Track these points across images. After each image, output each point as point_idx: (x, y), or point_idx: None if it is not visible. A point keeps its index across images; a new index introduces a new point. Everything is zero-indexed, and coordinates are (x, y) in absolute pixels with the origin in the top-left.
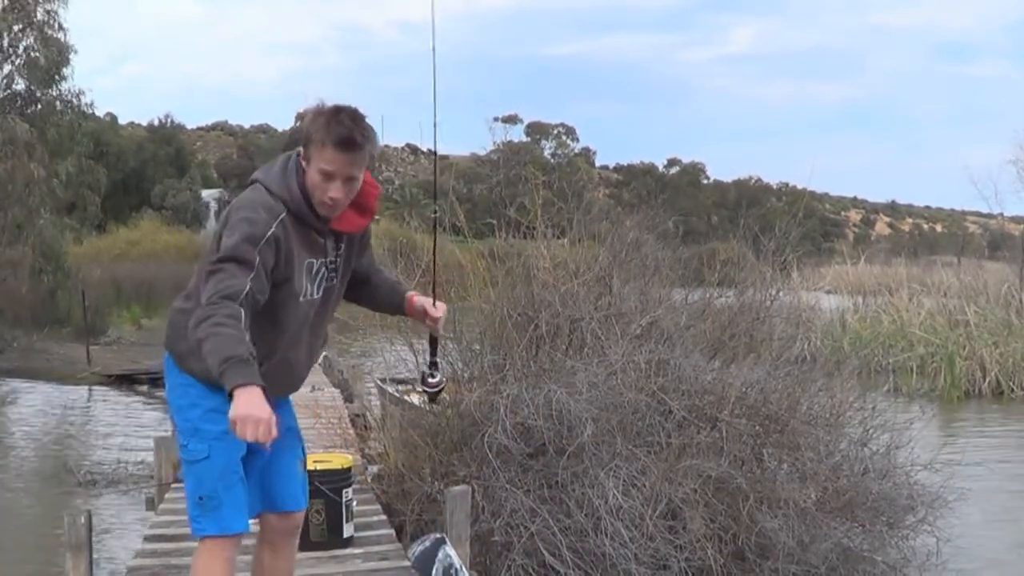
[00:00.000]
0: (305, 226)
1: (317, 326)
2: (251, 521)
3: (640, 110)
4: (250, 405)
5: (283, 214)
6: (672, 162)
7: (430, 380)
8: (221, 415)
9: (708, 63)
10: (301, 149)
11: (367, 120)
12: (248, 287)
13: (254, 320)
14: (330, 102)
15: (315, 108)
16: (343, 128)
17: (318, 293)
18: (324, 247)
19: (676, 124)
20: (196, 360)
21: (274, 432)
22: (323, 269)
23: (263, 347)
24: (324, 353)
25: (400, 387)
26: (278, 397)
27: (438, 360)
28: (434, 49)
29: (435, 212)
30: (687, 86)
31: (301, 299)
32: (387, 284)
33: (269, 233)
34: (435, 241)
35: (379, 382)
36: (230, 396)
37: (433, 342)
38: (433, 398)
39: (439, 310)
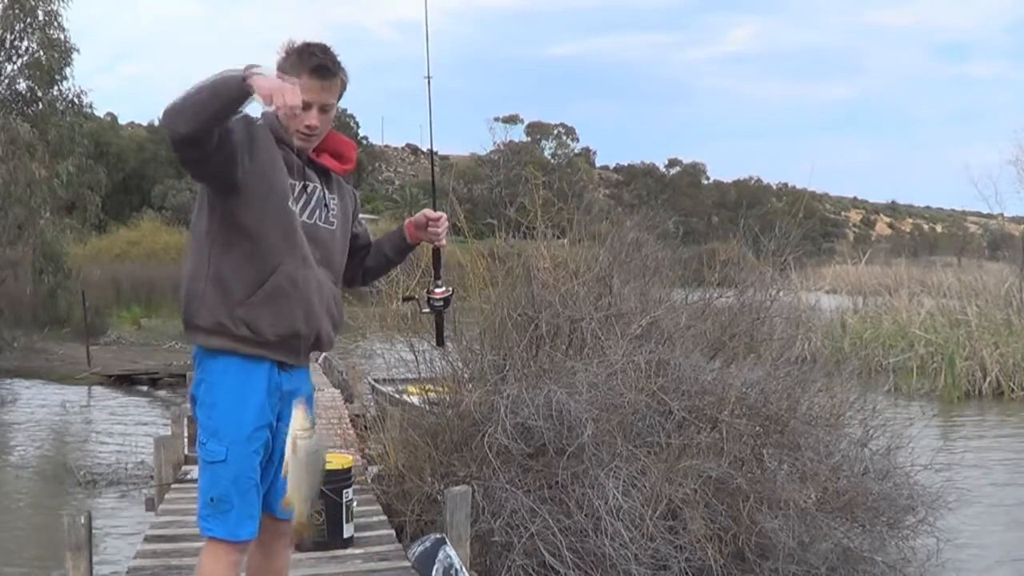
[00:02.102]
0: (281, 144)
1: (324, 257)
2: None
3: (640, 110)
4: (270, 79)
5: (257, 120)
6: (672, 162)
7: (436, 291)
8: (244, 416)
9: (707, 63)
10: None
11: (333, 50)
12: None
13: (251, 238)
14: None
15: (285, 47)
16: (315, 58)
17: (313, 220)
18: (303, 171)
19: (676, 124)
20: (211, 310)
21: (299, 98)
22: (307, 194)
23: (260, 262)
24: (324, 353)
25: (399, 387)
26: (298, 367)
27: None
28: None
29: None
30: (686, 86)
31: (292, 207)
32: (386, 236)
33: (243, 114)
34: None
35: (373, 382)
36: (244, 85)
37: (436, 255)
38: (440, 311)
39: (439, 212)
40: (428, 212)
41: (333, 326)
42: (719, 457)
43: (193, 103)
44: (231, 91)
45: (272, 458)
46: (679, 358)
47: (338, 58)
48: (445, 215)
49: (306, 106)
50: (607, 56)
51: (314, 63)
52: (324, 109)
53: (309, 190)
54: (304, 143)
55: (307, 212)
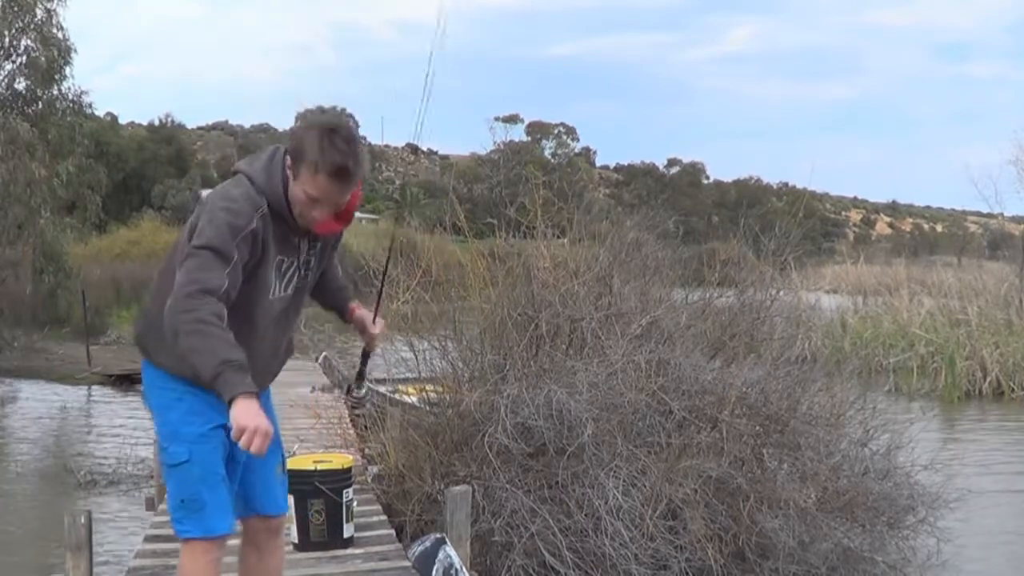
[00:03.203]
0: (282, 224)
1: (284, 321)
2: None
3: (640, 110)
4: (250, 415)
5: (264, 208)
6: (672, 162)
7: (355, 393)
8: (199, 416)
9: (707, 63)
10: (289, 155)
11: (359, 140)
12: (225, 283)
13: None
14: (327, 104)
15: (308, 120)
16: (337, 155)
17: (287, 290)
18: (297, 246)
19: (676, 124)
20: (170, 355)
21: (266, 445)
22: (293, 267)
23: None
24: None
25: (393, 388)
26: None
27: (366, 373)
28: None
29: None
30: (686, 86)
31: (270, 296)
32: (334, 285)
33: (249, 228)
34: (389, 255)
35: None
36: (228, 403)
37: (365, 354)
38: (356, 407)
39: (377, 327)
40: (367, 322)
41: (280, 367)
42: (719, 457)
43: (184, 348)
44: (214, 388)
45: (235, 458)
46: (679, 358)
47: (361, 151)
48: (383, 327)
49: (316, 201)
50: (607, 56)
51: (335, 164)
52: (335, 205)
53: (299, 260)
54: (306, 225)
55: (288, 285)
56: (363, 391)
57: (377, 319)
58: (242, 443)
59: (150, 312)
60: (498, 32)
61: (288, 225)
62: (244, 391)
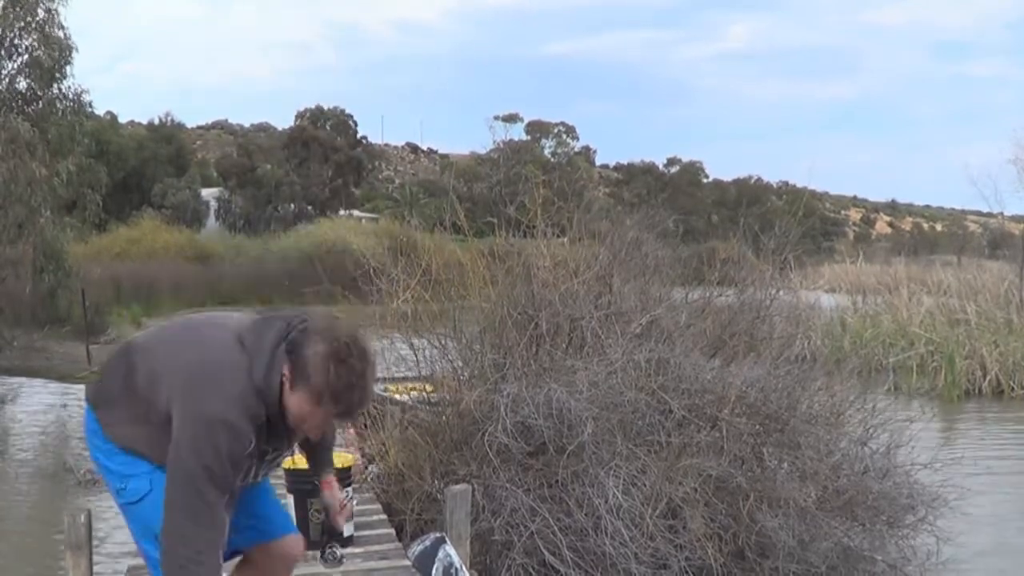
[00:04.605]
0: (276, 424)
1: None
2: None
3: (640, 109)
4: None
5: (262, 421)
6: (672, 161)
7: (337, 552)
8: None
9: (706, 61)
10: (290, 360)
11: (371, 365)
12: (227, 518)
13: None
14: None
15: (318, 328)
16: (343, 390)
17: (268, 470)
18: (282, 440)
19: (676, 124)
20: (118, 431)
21: None
22: (271, 460)
23: None
24: None
25: (388, 386)
26: None
27: (336, 544)
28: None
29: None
30: (686, 85)
31: (248, 482)
32: (319, 450)
33: (249, 450)
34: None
35: None
36: None
37: (331, 530)
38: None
39: (344, 514)
40: (334, 513)
41: None
42: (719, 456)
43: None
44: None
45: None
46: (679, 357)
47: (370, 385)
48: (349, 513)
49: (310, 419)
50: (606, 55)
51: (339, 403)
52: (332, 427)
53: (284, 447)
54: (300, 431)
55: (271, 467)
56: (339, 553)
57: (346, 506)
58: None
59: (113, 374)
60: (498, 31)
61: (277, 430)
62: None
